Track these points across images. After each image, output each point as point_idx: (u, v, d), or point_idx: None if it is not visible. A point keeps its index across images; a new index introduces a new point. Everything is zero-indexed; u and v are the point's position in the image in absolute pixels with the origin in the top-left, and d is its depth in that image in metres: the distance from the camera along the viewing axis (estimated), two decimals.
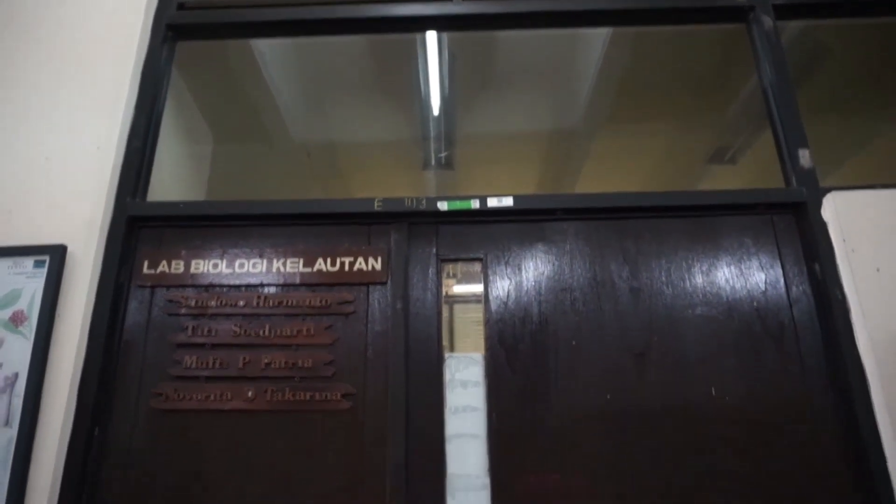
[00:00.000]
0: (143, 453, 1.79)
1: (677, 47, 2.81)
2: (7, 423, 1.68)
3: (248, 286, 1.95)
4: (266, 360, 1.85)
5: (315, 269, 1.96)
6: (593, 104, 3.21)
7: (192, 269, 1.96)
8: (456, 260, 2.01)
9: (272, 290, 1.95)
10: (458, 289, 2.05)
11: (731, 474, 1.73)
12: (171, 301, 1.93)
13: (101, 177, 1.97)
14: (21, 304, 1.79)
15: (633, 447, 1.77)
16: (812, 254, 1.91)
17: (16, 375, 1.72)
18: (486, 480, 1.77)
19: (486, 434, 1.81)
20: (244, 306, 1.92)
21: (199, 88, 2.68)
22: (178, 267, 1.96)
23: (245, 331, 1.89)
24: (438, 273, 1.97)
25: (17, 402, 1.70)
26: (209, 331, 1.89)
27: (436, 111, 3.24)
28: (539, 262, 1.98)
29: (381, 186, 3.78)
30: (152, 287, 1.95)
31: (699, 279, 1.93)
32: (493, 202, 2.00)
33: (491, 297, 1.94)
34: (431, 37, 2.64)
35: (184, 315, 1.91)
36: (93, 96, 2.10)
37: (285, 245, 2.00)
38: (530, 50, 2.95)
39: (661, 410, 1.80)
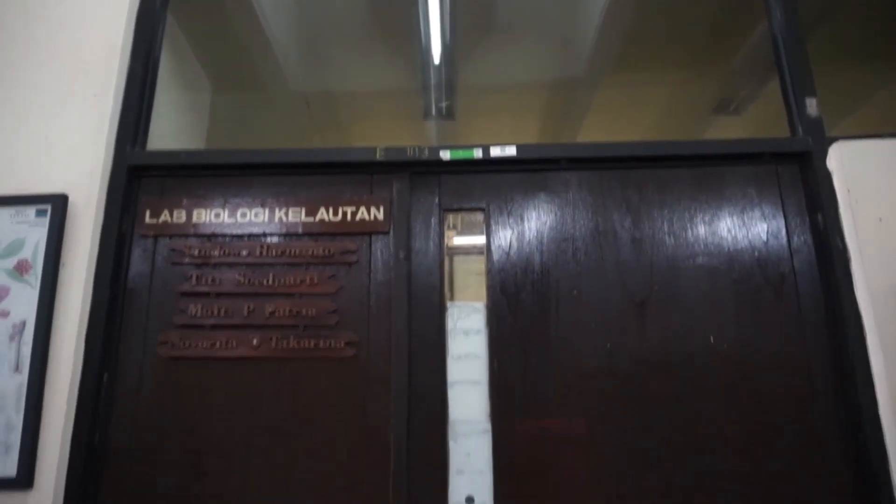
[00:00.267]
0: (150, 399, 1.83)
1: None
2: (17, 369, 1.71)
3: (250, 236, 1.95)
4: (270, 309, 1.87)
5: (317, 218, 1.96)
6: (597, 53, 3.15)
7: (195, 219, 1.96)
8: (458, 210, 2.01)
9: (275, 239, 1.95)
10: (459, 241, 2.05)
11: (727, 420, 1.77)
12: (174, 250, 1.93)
13: (100, 125, 1.95)
14: (25, 253, 1.80)
15: (632, 393, 1.80)
16: (815, 204, 1.90)
17: (23, 323, 1.74)
18: (488, 426, 1.81)
19: (487, 381, 1.84)
20: (247, 256, 1.92)
21: (197, 36, 2.62)
22: (180, 216, 1.96)
23: (249, 280, 1.90)
24: (441, 223, 1.97)
25: (26, 350, 1.72)
26: (213, 280, 1.90)
27: (437, 60, 3.18)
28: (541, 212, 1.98)
29: (381, 136, 3.74)
30: (155, 237, 1.95)
31: (701, 229, 1.93)
32: (495, 151, 1.98)
33: (493, 247, 1.95)
34: None
35: (187, 264, 1.92)
36: (88, 43, 2.05)
37: (287, 194, 2.00)
38: None
39: (660, 358, 1.83)
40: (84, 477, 1.72)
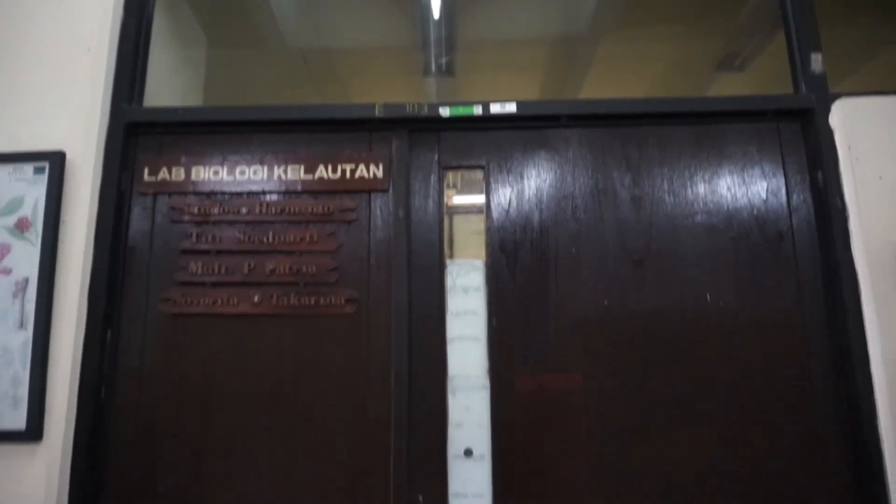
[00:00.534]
0: (154, 355, 1.85)
1: None
2: (22, 325, 1.73)
3: (249, 193, 1.95)
4: (271, 267, 1.88)
5: (316, 176, 1.95)
6: (599, 7, 3.08)
7: (193, 177, 1.95)
8: (458, 167, 2.00)
9: (274, 197, 1.95)
10: (458, 200, 2.05)
11: (721, 375, 1.80)
12: (173, 208, 1.94)
13: (95, 81, 1.93)
14: (25, 211, 1.80)
15: (628, 349, 1.83)
16: (816, 162, 1.90)
17: (26, 280, 1.75)
18: (486, 381, 1.85)
19: (486, 337, 1.87)
20: (247, 213, 1.92)
21: None
22: (178, 174, 1.96)
23: (249, 237, 1.91)
24: (440, 180, 1.97)
25: (30, 307, 1.74)
26: (213, 238, 1.91)
27: (436, 14, 3.12)
28: (541, 170, 1.97)
29: (380, 93, 3.68)
30: (154, 194, 1.95)
31: (701, 187, 1.93)
32: (496, 108, 1.96)
33: (492, 205, 1.95)
34: None
35: (187, 222, 1.93)
36: None
37: (286, 152, 1.99)
38: None
39: (657, 315, 1.85)
40: (92, 430, 1.77)
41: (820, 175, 1.88)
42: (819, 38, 1.98)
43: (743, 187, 1.93)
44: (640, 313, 1.85)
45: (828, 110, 1.89)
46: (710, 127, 1.97)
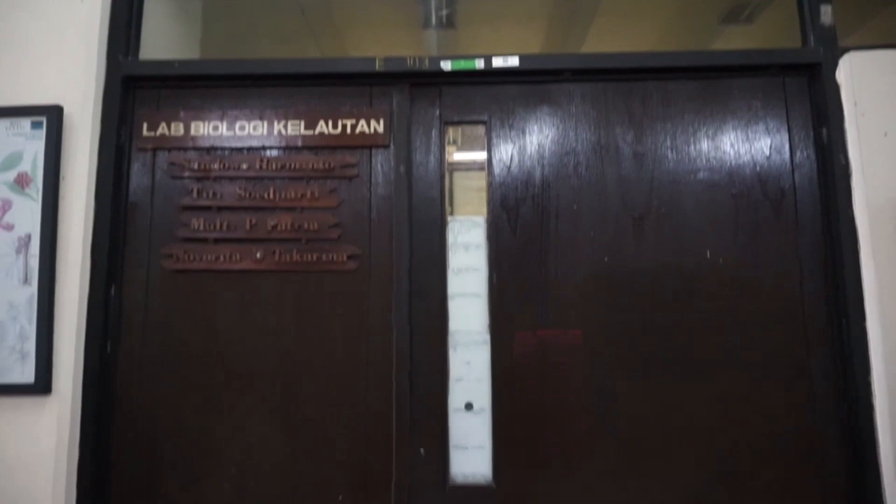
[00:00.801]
0: (157, 311, 1.87)
1: None
2: (26, 281, 1.74)
3: (249, 149, 1.94)
4: (272, 223, 1.88)
5: (317, 131, 1.94)
6: None
7: (193, 132, 1.94)
8: (459, 122, 1.98)
9: (274, 152, 1.94)
10: (459, 156, 2.03)
11: (718, 330, 1.83)
12: (173, 164, 1.93)
13: (90, 32, 1.89)
14: (24, 167, 1.79)
15: (627, 305, 1.85)
16: (821, 118, 1.88)
17: (28, 236, 1.76)
18: (487, 336, 1.87)
19: (486, 293, 1.89)
20: (247, 169, 1.92)
21: None
22: (177, 129, 1.94)
23: (250, 194, 1.90)
24: (441, 136, 1.95)
25: (34, 262, 1.75)
26: (214, 194, 1.90)
27: None
28: (543, 126, 1.95)
29: (379, 46, 3.62)
30: (153, 150, 1.94)
31: (704, 144, 1.92)
32: (498, 62, 1.93)
33: (494, 161, 1.94)
34: None
35: (187, 178, 1.92)
36: None
37: (285, 107, 1.96)
38: None
39: (656, 272, 1.86)
40: (99, 383, 1.80)
41: (824, 131, 1.87)
42: None
43: (746, 143, 1.91)
44: (639, 270, 1.86)
45: (835, 65, 1.87)
46: (714, 81, 1.95)
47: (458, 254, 1.91)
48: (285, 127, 1.94)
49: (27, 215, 1.77)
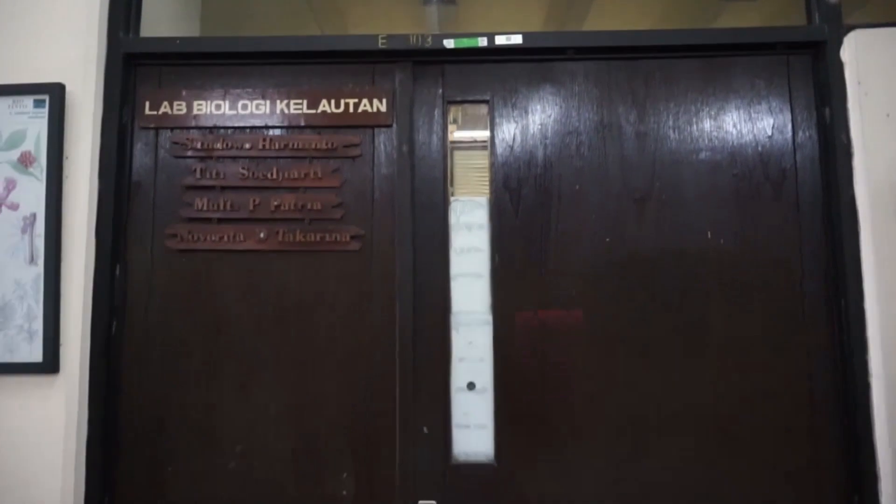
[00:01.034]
0: (161, 291, 1.88)
1: None
2: (32, 260, 1.75)
3: (252, 128, 1.93)
4: (276, 203, 1.89)
5: (319, 110, 1.93)
6: None
7: (195, 111, 1.93)
8: (462, 102, 1.97)
9: (277, 132, 1.93)
10: (459, 135, 2.02)
11: (721, 312, 1.84)
12: (176, 143, 1.92)
13: (91, 9, 1.87)
14: (27, 146, 1.78)
15: (628, 286, 1.86)
16: (824, 97, 1.88)
17: (34, 216, 1.76)
18: (489, 316, 1.89)
19: (489, 274, 1.90)
20: (250, 149, 1.91)
21: None
22: (180, 108, 1.93)
23: (253, 173, 1.90)
24: (444, 115, 1.95)
25: (39, 242, 1.75)
26: (217, 173, 1.91)
27: None
28: (546, 105, 1.95)
29: (379, 22, 3.58)
30: (156, 129, 1.93)
31: (706, 123, 1.92)
32: (501, 40, 1.92)
33: (497, 141, 1.94)
34: None
35: (190, 157, 1.92)
36: None
37: (288, 85, 1.95)
38: None
39: (657, 252, 1.87)
40: (105, 362, 1.82)
41: (827, 111, 1.87)
42: None
43: (748, 123, 1.91)
44: (641, 250, 1.87)
45: (840, 43, 1.86)
46: (718, 60, 1.94)
47: (460, 234, 1.92)
48: (288, 106, 1.94)
49: (31, 195, 1.77)
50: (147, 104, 1.93)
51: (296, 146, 1.91)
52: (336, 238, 1.88)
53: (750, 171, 1.89)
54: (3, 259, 1.76)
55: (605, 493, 1.80)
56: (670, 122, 1.92)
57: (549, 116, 1.94)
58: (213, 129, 1.93)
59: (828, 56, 1.86)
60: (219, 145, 1.91)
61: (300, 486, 1.82)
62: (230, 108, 1.93)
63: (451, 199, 1.93)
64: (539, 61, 1.96)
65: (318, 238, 1.88)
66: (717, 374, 1.82)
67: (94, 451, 1.78)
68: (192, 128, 1.93)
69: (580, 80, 1.95)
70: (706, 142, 1.91)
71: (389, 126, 1.93)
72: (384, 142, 1.93)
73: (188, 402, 1.84)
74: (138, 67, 1.96)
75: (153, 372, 1.85)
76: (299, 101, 1.94)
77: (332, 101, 1.93)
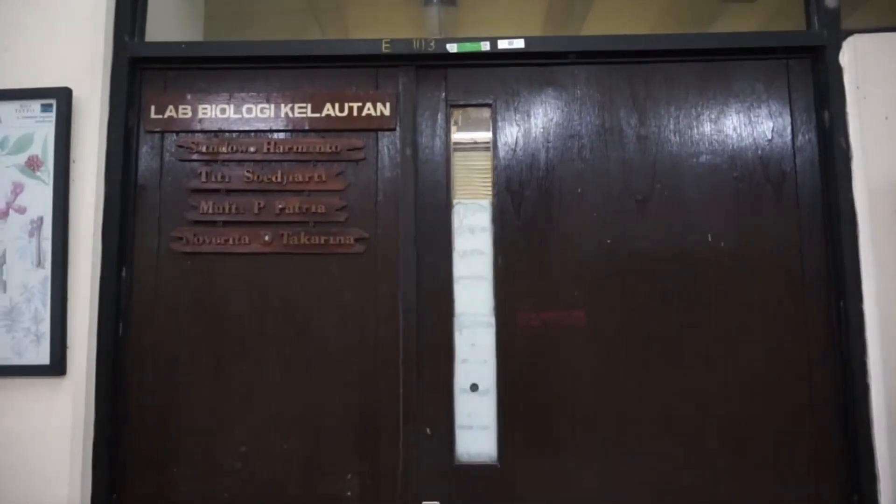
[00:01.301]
0: (167, 293, 1.90)
1: None
2: (39, 263, 1.77)
3: (257, 132, 1.95)
4: (280, 206, 1.90)
5: (323, 114, 1.95)
6: None
7: (200, 114, 1.95)
8: (465, 105, 1.99)
9: (282, 135, 1.95)
10: (459, 136, 2.02)
11: (721, 314, 1.86)
12: (181, 147, 1.94)
13: (97, 13, 1.88)
14: (35, 149, 1.80)
15: (629, 287, 1.88)
16: (823, 101, 1.90)
17: (41, 219, 1.78)
18: (491, 318, 1.91)
19: (491, 276, 1.92)
20: (255, 152, 1.93)
21: None
22: (185, 112, 1.95)
23: (258, 177, 1.92)
24: (447, 119, 1.97)
25: (46, 245, 1.77)
26: (222, 176, 1.92)
27: None
28: (548, 108, 1.97)
29: (380, 24, 3.59)
30: (161, 132, 1.95)
31: (707, 127, 1.93)
32: (503, 44, 1.94)
33: (499, 144, 1.95)
34: None
35: (196, 161, 1.93)
36: None
37: (292, 89, 1.97)
38: None
39: (658, 254, 1.89)
40: (112, 364, 1.84)
41: (826, 115, 1.88)
42: None
43: (748, 126, 1.93)
44: (642, 252, 1.89)
45: (839, 48, 1.88)
46: (719, 64, 1.96)
47: (463, 237, 1.94)
48: (292, 110, 1.95)
49: (39, 198, 1.79)
50: (153, 108, 1.95)
51: (300, 150, 1.93)
52: (340, 241, 1.89)
53: (750, 173, 1.91)
54: (10, 262, 1.78)
55: (607, 493, 1.81)
56: (671, 126, 1.94)
57: (551, 120, 1.96)
58: (218, 132, 1.95)
59: (827, 60, 1.88)
60: (224, 149, 1.93)
61: (304, 487, 1.83)
62: (235, 112, 1.95)
63: (455, 201, 1.95)
64: (541, 65, 1.98)
65: (322, 241, 1.89)
66: (717, 375, 1.84)
67: (101, 452, 1.79)
68: (198, 131, 1.95)
69: (582, 83, 1.97)
70: (707, 145, 1.92)
71: (393, 129, 1.95)
72: (388, 145, 1.94)
73: (194, 404, 1.86)
74: (144, 72, 1.97)
75: (159, 373, 1.87)
76: (303, 104, 1.95)
77: (336, 105, 1.95)
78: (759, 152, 1.92)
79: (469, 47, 1.94)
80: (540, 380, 1.86)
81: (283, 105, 1.95)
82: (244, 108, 1.95)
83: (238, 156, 1.93)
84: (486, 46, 1.94)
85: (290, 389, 1.86)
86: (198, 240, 1.90)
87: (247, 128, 1.95)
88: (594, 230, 1.91)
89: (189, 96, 1.95)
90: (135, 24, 1.97)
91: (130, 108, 1.93)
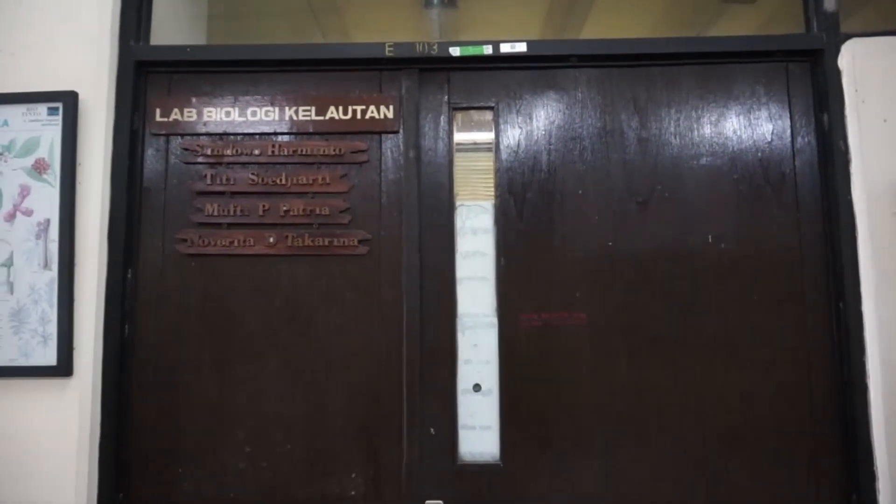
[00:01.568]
0: (173, 294, 1.91)
1: None
2: (46, 265, 1.78)
3: (261, 134, 1.96)
4: (285, 208, 1.92)
5: (327, 117, 1.96)
6: None
7: (205, 117, 1.96)
8: (468, 108, 2.01)
9: (286, 138, 1.97)
10: (462, 138, 2.03)
11: (722, 316, 1.88)
12: (186, 149, 1.95)
13: (102, 17, 1.90)
14: (41, 152, 1.81)
15: (630, 288, 1.90)
16: (822, 104, 1.92)
17: (47, 222, 1.79)
18: (494, 319, 1.92)
19: (494, 277, 1.93)
20: (259, 155, 1.95)
21: None
22: (190, 115, 1.96)
23: (262, 179, 1.94)
24: (450, 121, 1.98)
25: (53, 247, 1.78)
26: (227, 179, 1.94)
27: None
28: (550, 111, 1.98)
29: (381, 26, 3.60)
30: (167, 135, 1.96)
31: (707, 129, 1.95)
32: (506, 48, 1.96)
33: (502, 146, 1.97)
34: None
35: (201, 163, 1.95)
36: None
37: (296, 92, 1.99)
38: None
39: (659, 256, 1.91)
40: (118, 365, 1.86)
41: (825, 117, 1.90)
42: None
43: (748, 129, 1.95)
44: (643, 254, 1.91)
45: (837, 51, 1.89)
46: (719, 67, 1.98)
47: (466, 238, 1.95)
48: (296, 112, 1.97)
49: (46, 201, 1.80)
50: (158, 111, 1.96)
51: (304, 152, 1.94)
52: (344, 242, 1.91)
53: (750, 175, 1.93)
54: (18, 264, 1.79)
55: (609, 492, 1.83)
56: (672, 128, 1.95)
57: (553, 122, 1.98)
58: (222, 135, 1.96)
59: (826, 63, 1.90)
60: (228, 151, 1.94)
61: (309, 486, 1.85)
62: (239, 115, 1.97)
63: (458, 203, 1.96)
64: (543, 68, 1.99)
65: (326, 242, 1.91)
66: (718, 375, 1.86)
67: (107, 452, 1.81)
68: (202, 134, 1.96)
69: (583, 86, 1.99)
70: (707, 147, 1.94)
71: (396, 132, 1.96)
72: (391, 148, 1.96)
73: (199, 404, 1.87)
74: (149, 75, 1.99)
75: (165, 374, 1.88)
76: (307, 107, 1.97)
77: (340, 108, 1.97)
78: (759, 154, 1.94)
79: (472, 51, 1.96)
80: (542, 380, 1.88)
81: (287, 108, 1.97)
82: (248, 111, 1.97)
83: (243, 158, 1.95)
84: (488, 50, 1.96)
85: (294, 390, 1.88)
86: (203, 242, 1.91)
87: (251, 130, 1.96)
88: (595, 231, 1.92)
89: (194, 99, 1.97)
90: (140, 28, 1.99)
91: (136, 111, 1.95)
